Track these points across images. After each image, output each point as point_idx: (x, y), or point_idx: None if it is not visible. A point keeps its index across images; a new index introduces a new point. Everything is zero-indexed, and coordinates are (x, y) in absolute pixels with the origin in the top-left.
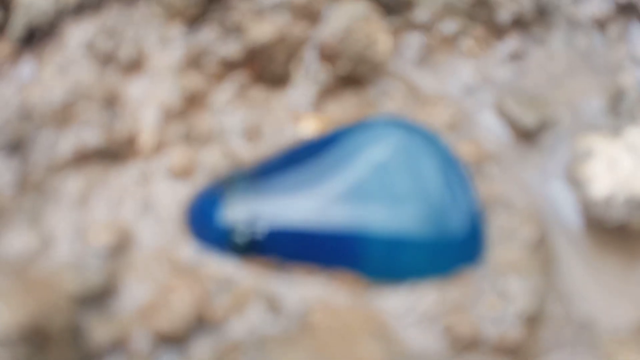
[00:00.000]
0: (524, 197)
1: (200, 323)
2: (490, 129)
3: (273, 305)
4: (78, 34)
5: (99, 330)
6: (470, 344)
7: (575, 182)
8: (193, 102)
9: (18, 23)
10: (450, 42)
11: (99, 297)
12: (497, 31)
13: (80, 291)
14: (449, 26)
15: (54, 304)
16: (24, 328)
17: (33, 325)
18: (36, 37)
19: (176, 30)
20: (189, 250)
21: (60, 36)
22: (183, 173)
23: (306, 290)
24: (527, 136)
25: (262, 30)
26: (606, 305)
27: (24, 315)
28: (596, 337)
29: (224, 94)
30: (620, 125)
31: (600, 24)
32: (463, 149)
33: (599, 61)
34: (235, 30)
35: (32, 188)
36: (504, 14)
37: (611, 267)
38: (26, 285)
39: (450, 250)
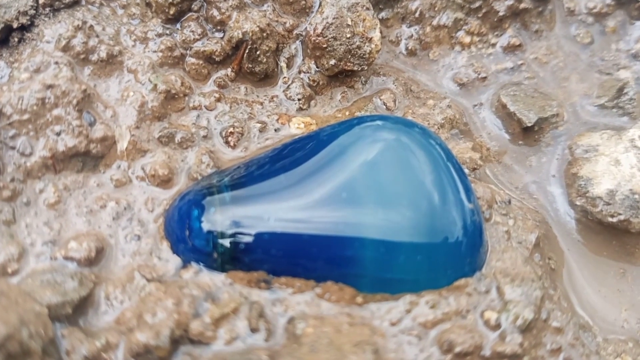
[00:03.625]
0: (522, 197)
1: (183, 336)
2: (488, 126)
3: (259, 317)
4: (54, 33)
5: (76, 343)
6: (467, 353)
7: (575, 181)
8: (173, 101)
9: None
10: (445, 35)
11: (76, 310)
12: (494, 24)
13: (57, 304)
14: (444, 19)
15: (30, 316)
16: (1, 342)
17: (10, 338)
18: (12, 37)
19: (156, 27)
20: (169, 260)
21: (37, 36)
22: (162, 178)
23: (293, 301)
24: (526, 134)
25: (245, 25)
26: (605, 307)
27: (2, 329)
28: (594, 340)
29: (206, 92)
30: (620, 122)
31: (599, 17)
32: (460, 147)
33: (598, 56)
34: (217, 26)
35: (6, 197)
36: (501, 6)
37: (611, 268)
38: (2, 298)
39: (445, 253)
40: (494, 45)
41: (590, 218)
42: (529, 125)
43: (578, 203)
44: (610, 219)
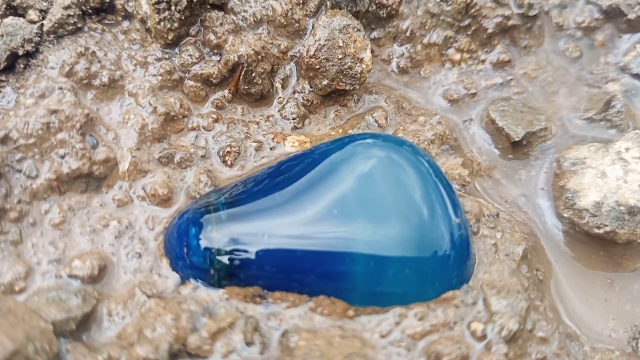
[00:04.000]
0: (512, 210)
1: (182, 350)
2: (478, 141)
3: (254, 331)
4: (58, 60)
5: (80, 358)
6: None
7: (562, 193)
8: (173, 123)
9: (0, 50)
10: (435, 53)
11: (79, 326)
12: (483, 41)
13: (61, 320)
14: (434, 37)
15: (36, 333)
16: (7, 357)
17: (16, 353)
18: (18, 64)
19: (155, 52)
20: (169, 277)
21: (42, 62)
22: (162, 197)
23: (287, 315)
24: (515, 148)
25: (241, 48)
26: (592, 317)
27: (9, 345)
28: (581, 349)
29: (204, 113)
30: (608, 135)
31: (588, 31)
32: (450, 164)
33: (587, 69)
34: (214, 49)
35: (13, 218)
36: (489, 23)
37: (598, 278)
38: (9, 315)
39: (434, 266)
40: (483, 61)
41: (577, 230)
42: (517, 139)
43: (565, 215)
44: (596, 230)
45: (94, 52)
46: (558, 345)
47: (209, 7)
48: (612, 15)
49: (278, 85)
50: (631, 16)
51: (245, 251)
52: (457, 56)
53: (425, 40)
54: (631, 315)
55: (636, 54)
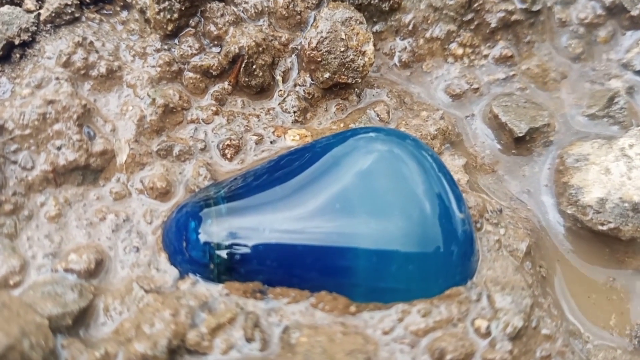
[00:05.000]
0: (516, 206)
1: (181, 346)
2: (481, 137)
3: (255, 327)
4: (55, 49)
5: (76, 354)
6: None
7: (566, 189)
8: (171, 115)
9: None
10: (438, 47)
11: (76, 321)
12: (486, 36)
13: (57, 315)
14: (436, 31)
15: (31, 328)
16: (2, 353)
17: (11, 349)
18: (14, 53)
19: (154, 43)
20: (167, 271)
21: (38, 52)
22: (160, 190)
23: (288, 311)
24: (518, 144)
25: (242, 40)
26: (594, 314)
27: (3, 340)
28: (584, 346)
29: (203, 106)
30: (611, 131)
31: (590, 28)
32: (452, 158)
33: (589, 66)
34: (214, 41)
35: (8, 210)
36: (492, 18)
37: (601, 276)
38: (4, 310)
39: (437, 262)
40: (486, 56)
41: (580, 226)
42: (520, 135)
43: (569, 212)
44: (600, 227)
45: (91, 42)
46: (562, 343)
47: None
48: (614, 11)
49: (279, 77)
50: (634, 13)
51: (245, 245)
52: (460, 51)
53: (427, 35)
54: (633, 313)
55: (639, 50)
